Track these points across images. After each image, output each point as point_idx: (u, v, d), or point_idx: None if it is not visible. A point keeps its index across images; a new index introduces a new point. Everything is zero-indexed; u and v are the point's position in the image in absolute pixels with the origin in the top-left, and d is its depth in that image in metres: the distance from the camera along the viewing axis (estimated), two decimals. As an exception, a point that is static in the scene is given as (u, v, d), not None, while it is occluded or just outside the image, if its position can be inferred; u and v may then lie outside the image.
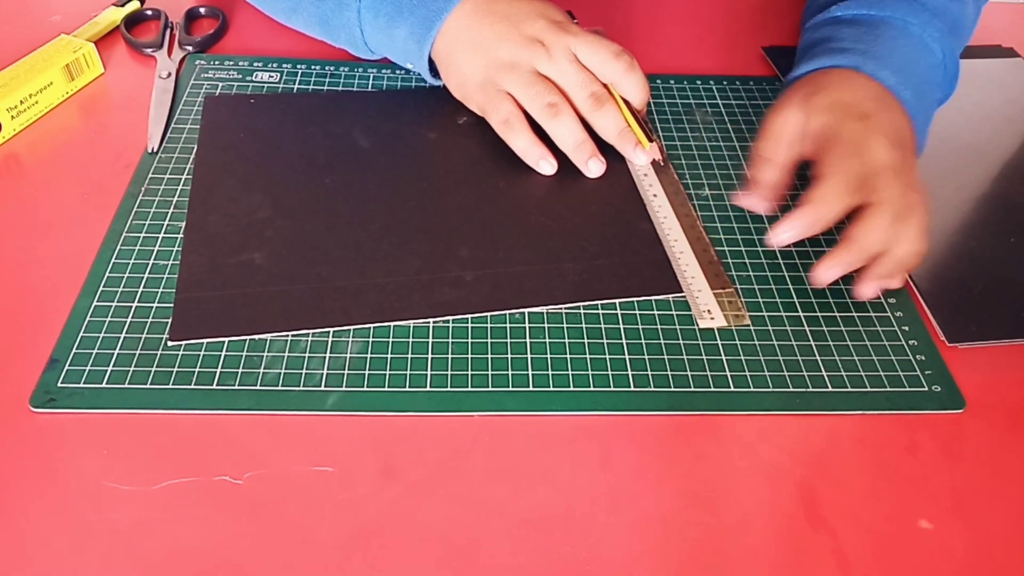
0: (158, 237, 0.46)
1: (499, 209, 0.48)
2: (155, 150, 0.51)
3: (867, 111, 0.46)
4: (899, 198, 0.43)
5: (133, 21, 0.62)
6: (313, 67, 0.59)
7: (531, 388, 0.40)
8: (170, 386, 0.39)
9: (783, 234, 0.45)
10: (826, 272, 0.44)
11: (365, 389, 0.40)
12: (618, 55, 0.50)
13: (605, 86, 0.51)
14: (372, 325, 0.42)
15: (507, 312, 0.43)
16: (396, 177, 0.50)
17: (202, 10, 0.63)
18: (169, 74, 0.57)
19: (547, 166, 0.50)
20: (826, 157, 0.45)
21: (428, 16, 0.51)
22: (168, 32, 0.61)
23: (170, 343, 0.41)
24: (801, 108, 0.47)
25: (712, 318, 0.44)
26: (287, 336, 0.41)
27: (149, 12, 0.63)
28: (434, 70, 0.54)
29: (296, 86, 0.57)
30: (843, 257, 0.43)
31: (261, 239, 0.46)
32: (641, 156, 0.51)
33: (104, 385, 0.39)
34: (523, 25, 0.50)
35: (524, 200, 0.49)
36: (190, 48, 0.60)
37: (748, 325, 0.44)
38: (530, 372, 0.41)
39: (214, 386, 0.39)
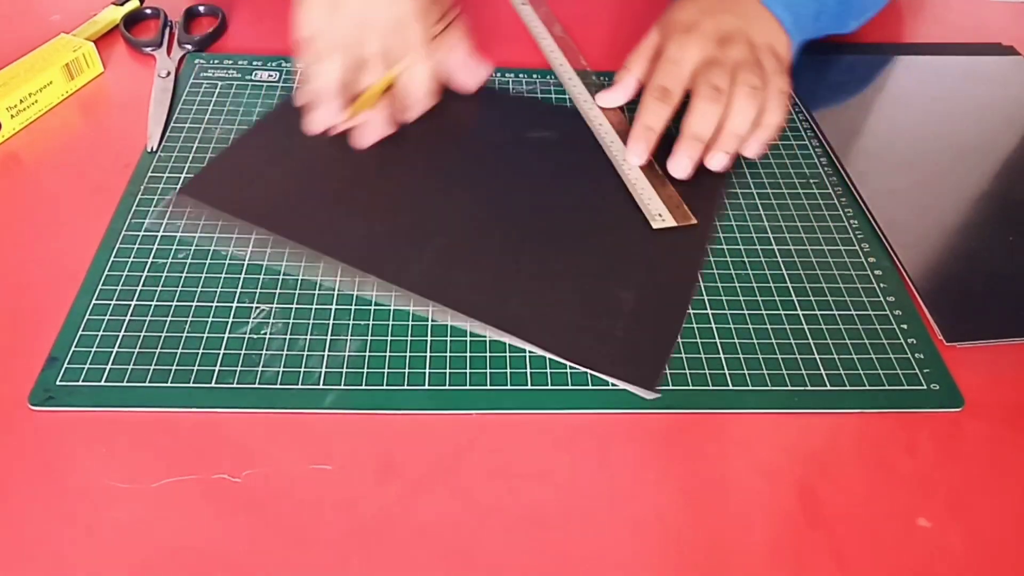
0: (157, 235, 0.46)
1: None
2: (155, 149, 0.51)
3: (691, 22, 0.52)
4: (709, 83, 0.49)
5: (132, 20, 0.62)
6: (312, 66, 0.59)
7: (529, 386, 0.40)
8: (169, 384, 0.39)
9: (632, 157, 0.51)
10: (674, 166, 0.50)
11: (363, 387, 0.40)
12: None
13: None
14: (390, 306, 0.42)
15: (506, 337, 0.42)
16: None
17: (201, 8, 0.63)
18: (168, 73, 0.57)
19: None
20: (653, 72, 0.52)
21: None
22: (167, 31, 0.61)
23: (178, 194, 0.42)
24: (653, 30, 0.55)
25: (663, 220, 0.47)
26: (286, 336, 0.41)
27: (148, 11, 0.63)
28: None
29: (296, 85, 0.57)
30: (680, 148, 0.49)
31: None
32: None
33: (103, 383, 0.39)
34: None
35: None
36: (189, 47, 0.60)
37: (694, 223, 0.46)
38: (528, 370, 0.41)
39: (213, 384, 0.39)
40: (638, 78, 0.55)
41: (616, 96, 0.55)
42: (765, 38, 0.52)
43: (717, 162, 0.49)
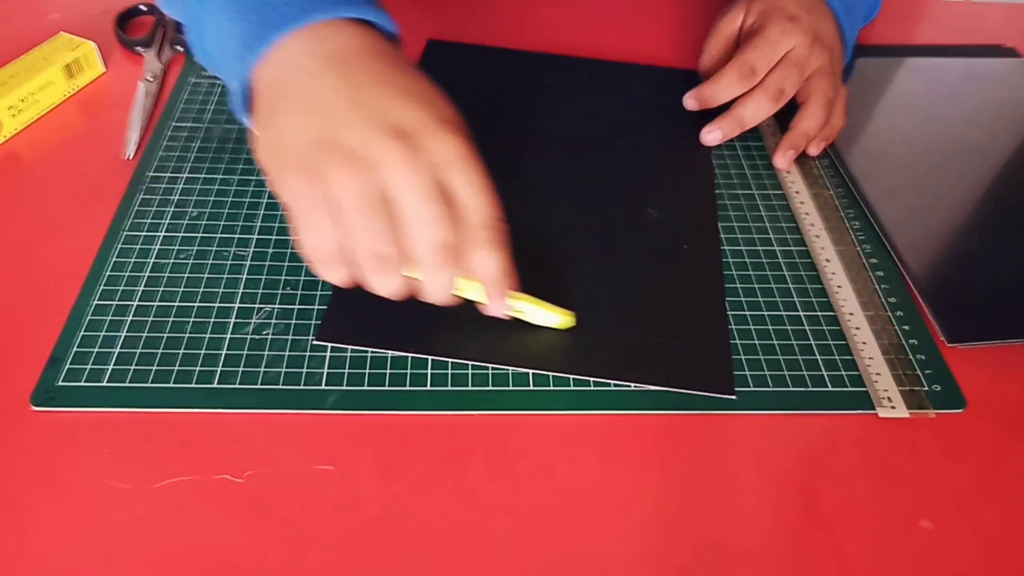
0: (158, 236, 0.46)
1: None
2: (130, 157, 0.51)
3: (795, 14, 0.54)
4: (782, 81, 0.53)
5: (129, 16, 0.62)
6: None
7: (531, 387, 0.40)
8: (171, 384, 0.39)
9: (707, 135, 0.55)
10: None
11: (366, 388, 0.39)
12: (488, 224, 0.36)
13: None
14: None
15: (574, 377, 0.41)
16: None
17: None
18: (155, 77, 0.56)
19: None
20: (743, 46, 0.54)
21: (266, 23, 0.36)
22: (159, 30, 0.60)
23: (315, 343, 0.41)
24: (742, 9, 0.57)
25: (893, 407, 0.40)
26: (288, 337, 0.41)
27: (144, 8, 0.62)
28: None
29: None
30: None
31: None
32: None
33: (104, 384, 0.39)
34: (395, 103, 0.35)
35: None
36: (180, 48, 0.59)
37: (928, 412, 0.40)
38: (530, 371, 0.41)
39: (215, 384, 0.39)
40: (721, 58, 0.58)
41: (692, 102, 0.57)
42: (836, 42, 0.56)
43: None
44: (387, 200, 0.34)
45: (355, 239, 0.34)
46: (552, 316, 0.42)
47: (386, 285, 0.35)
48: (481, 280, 0.37)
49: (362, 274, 0.35)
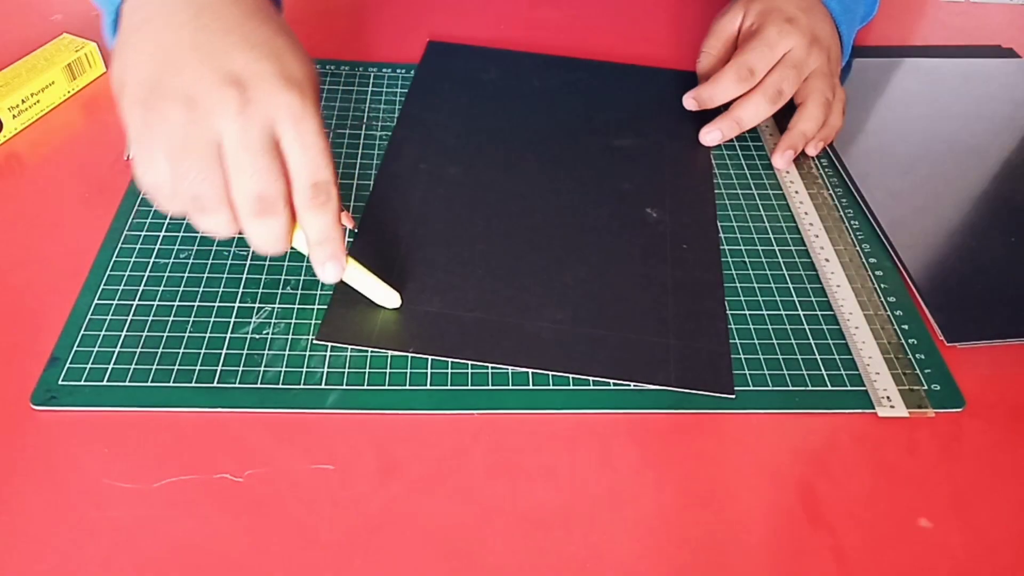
0: (159, 236, 0.46)
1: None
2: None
3: (793, 16, 0.54)
4: (780, 82, 0.53)
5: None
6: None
7: (531, 386, 0.40)
8: (171, 384, 0.39)
9: (706, 136, 0.55)
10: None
11: (365, 387, 0.40)
12: (317, 187, 0.36)
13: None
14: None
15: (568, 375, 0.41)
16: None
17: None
18: None
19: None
20: (741, 48, 0.55)
21: None
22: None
23: (315, 342, 0.41)
24: (741, 9, 0.57)
25: (892, 406, 0.41)
26: (288, 336, 0.41)
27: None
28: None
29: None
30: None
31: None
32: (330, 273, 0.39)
33: (105, 383, 0.39)
34: (239, 53, 0.35)
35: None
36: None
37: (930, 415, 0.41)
38: (529, 370, 0.41)
39: (215, 384, 0.39)
40: (720, 58, 0.58)
41: (691, 102, 0.57)
42: (834, 43, 0.57)
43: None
44: (217, 147, 0.34)
45: (179, 178, 0.35)
46: (384, 293, 0.42)
47: (208, 226, 0.36)
48: (307, 241, 0.38)
49: (188, 212, 0.36)
